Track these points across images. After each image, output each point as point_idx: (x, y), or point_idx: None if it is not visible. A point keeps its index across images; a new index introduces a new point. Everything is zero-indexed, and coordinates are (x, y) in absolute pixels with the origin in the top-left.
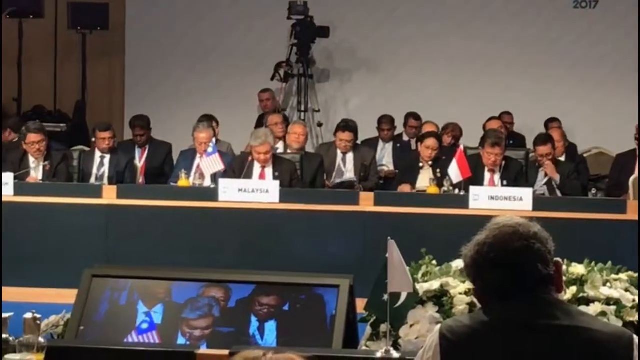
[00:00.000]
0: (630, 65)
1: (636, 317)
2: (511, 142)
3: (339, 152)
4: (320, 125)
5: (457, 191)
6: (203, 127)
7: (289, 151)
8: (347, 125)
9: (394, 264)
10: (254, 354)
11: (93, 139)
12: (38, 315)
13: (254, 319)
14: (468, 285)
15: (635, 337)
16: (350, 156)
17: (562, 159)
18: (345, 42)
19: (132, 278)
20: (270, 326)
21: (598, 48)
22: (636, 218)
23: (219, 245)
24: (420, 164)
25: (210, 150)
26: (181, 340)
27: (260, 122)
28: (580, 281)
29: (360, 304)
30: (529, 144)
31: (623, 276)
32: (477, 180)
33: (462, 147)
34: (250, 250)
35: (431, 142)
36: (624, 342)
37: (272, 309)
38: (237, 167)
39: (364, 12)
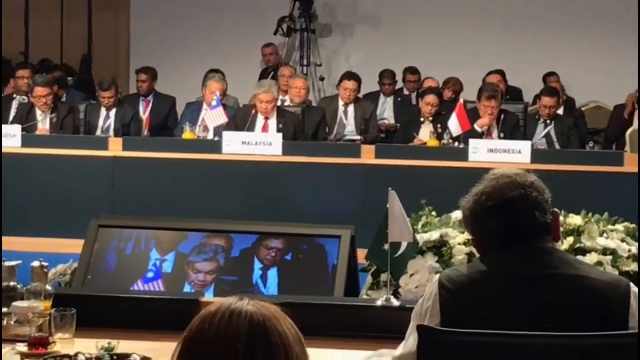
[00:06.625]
0: (627, 20)
1: (632, 267)
2: (508, 97)
3: (340, 105)
4: (322, 79)
5: (456, 144)
6: (219, 78)
7: (290, 104)
8: (352, 74)
9: (394, 215)
10: (231, 299)
11: (98, 94)
12: (45, 264)
13: (257, 266)
14: (467, 235)
15: (633, 286)
16: (351, 109)
17: (561, 112)
18: None
19: (137, 228)
20: (273, 274)
21: (596, 3)
22: (633, 170)
23: (223, 197)
24: (422, 119)
25: (214, 103)
26: (187, 289)
27: (263, 77)
28: (577, 232)
29: (362, 254)
30: (527, 98)
31: (619, 227)
32: (476, 133)
33: (462, 100)
34: (254, 202)
35: (431, 98)
36: (621, 291)
37: (276, 257)
38: (240, 119)
39: None
